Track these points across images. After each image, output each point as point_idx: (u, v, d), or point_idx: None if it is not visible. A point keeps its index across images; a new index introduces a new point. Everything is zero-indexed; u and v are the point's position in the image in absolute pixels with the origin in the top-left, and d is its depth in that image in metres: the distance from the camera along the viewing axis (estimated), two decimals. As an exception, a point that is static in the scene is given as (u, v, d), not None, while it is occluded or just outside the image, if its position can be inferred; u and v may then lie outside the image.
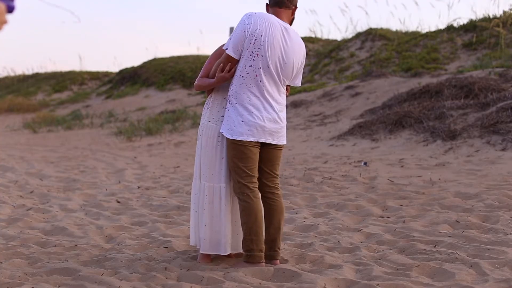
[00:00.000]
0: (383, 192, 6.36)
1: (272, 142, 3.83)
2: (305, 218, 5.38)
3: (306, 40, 21.95)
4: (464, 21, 17.49)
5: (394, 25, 31.46)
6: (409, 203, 5.84)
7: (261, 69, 3.73)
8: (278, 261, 3.94)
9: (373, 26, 19.93)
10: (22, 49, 52.08)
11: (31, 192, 7.13)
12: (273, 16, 3.80)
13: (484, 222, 4.99)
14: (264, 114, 3.78)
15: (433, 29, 18.24)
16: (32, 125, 18.51)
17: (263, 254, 3.86)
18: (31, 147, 13.39)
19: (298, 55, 3.91)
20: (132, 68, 26.93)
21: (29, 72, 33.14)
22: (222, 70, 3.81)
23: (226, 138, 3.83)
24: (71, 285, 3.62)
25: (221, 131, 3.83)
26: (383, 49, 17.52)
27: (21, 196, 6.85)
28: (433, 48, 15.99)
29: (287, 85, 3.99)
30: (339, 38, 23.24)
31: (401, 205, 5.76)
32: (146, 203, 6.38)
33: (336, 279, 3.54)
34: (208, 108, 4.00)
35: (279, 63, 3.78)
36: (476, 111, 9.92)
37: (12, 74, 33.45)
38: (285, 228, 5.03)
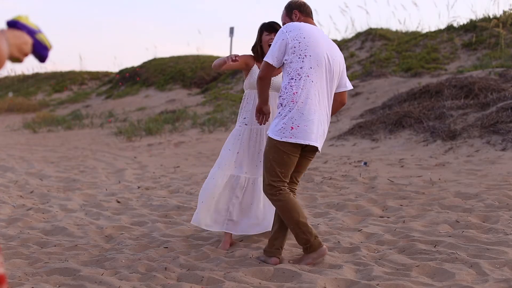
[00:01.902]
0: (383, 192, 6.36)
1: (316, 145, 3.88)
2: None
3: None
4: (464, 21, 17.49)
5: (394, 25, 31.47)
6: (409, 203, 5.84)
7: (311, 69, 3.85)
8: (278, 259, 3.98)
9: (373, 26, 19.93)
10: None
11: (31, 192, 7.13)
12: (308, 24, 3.99)
13: (484, 222, 4.99)
14: (315, 117, 3.86)
15: (433, 29, 18.24)
16: (32, 125, 18.51)
17: (319, 238, 3.94)
18: (31, 147, 13.39)
19: (340, 55, 4.06)
20: (132, 68, 26.93)
21: (29, 72, 33.13)
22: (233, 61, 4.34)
23: (270, 138, 3.91)
24: (71, 285, 3.62)
25: (267, 132, 3.95)
26: (383, 49, 17.51)
27: (21, 196, 6.85)
28: (433, 48, 15.99)
29: (343, 93, 4.13)
30: (339, 38, 23.19)
31: (401, 205, 5.76)
32: (146, 203, 6.38)
33: (336, 279, 3.54)
34: (238, 114, 4.74)
35: (327, 60, 3.91)
36: (476, 111, 9.92)
37: (12, 74, 33.48)
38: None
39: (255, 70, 4.63)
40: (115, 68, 34.59)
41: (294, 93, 3.84)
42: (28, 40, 1.59)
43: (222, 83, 20.97)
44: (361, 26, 27.60)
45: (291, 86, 3.86)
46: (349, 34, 20.86)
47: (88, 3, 60.32)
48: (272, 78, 4.60)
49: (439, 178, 7.04)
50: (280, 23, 4.30)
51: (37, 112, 22.70)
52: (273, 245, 4.02)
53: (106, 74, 30.29)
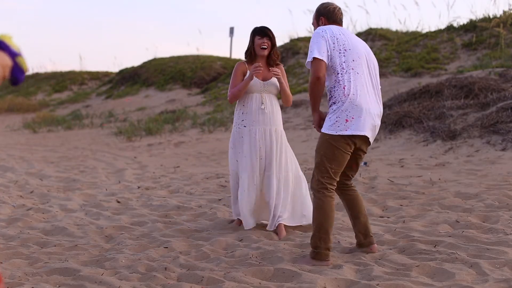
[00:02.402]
0: (383, 192, 6.36)
1: (369, 136, 3.95)
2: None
3: (306, 40, 21.95)
4: (464, 21, 17.48)
5: (394, 25, 31.46)
6: (409, 203, 5.84)
7: (354, 62, 3.94)
8: (375, 245, 4.14)
9: (373, 26, 19.93)
10: (22, 49, 52.01)
11: (31, 192, 7.13)
12: (336, 26, 4.09)
13: (484, 222, 4.99)
14: (367, 109, 3.91)
15: (433, 29, 18.23)
16: (32, 125, 18.51)
17: (329, 252, 3.96)
18: (31, 147, 13.39)
19: (373, 55, 4.17)
20: (132, 68, 26.93)
21: (29, 72, 33.11)
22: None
23: (323, 134, 3.93)
24: (71, 285, 3.62)
25: (324, 130, 3.95)
26: (383, 49, 17.51)
27: (21, 196, 6.85)
28: (433, 48, 15.99)
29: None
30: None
31: (401, 205, 5.76)
32: (146, 203, 6.38)
33: (336, 279, 3.54)
34: (234, 115, 5.04)
35: (366, 54, 4.03)
36: (476, 111, 9.92)
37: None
38: (285, 227, 5.03)
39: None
40: (115, 68, 34.58)
41: (343, 87, 3.90)
42: (9, 63, 1.53)
43: (222, 83, 20.98)
44: (361, 26, 27.60)
45: (338, 81, 3.92)
46: (349, 34, 20.84)
47: (88, 3, 60.31)
48: (267, 81, 4.93)
49: (439, 178, 7.04)
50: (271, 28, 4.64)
51: (37, 112, 22.70)
52: (366, 235, 4.13)
53: (106, 74, 30.29)
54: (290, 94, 5.06)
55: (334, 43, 3.91)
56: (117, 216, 5.72)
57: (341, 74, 3.91)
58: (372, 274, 3.61)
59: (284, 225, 4.91)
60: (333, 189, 3.94)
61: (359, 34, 19.61)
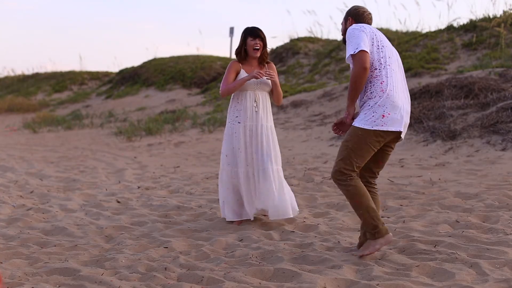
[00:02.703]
0: (383, 192, 6.36)
1: (403, 131, 4.01)
2: (305, 218, 5.38)
3: (306, 40, 21.95)
4: (464, 21, 17.47)
5: (394, 25, 31.48)
6: (409, 203, 5.84)
7: (390, 58, 4.03)
8: (391, 234, 4.07)
9: (373, 26, 19.93)
10: (22, 49, 52.08)
11: (31, 192, 7.13)
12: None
13: (484, 222, 4.99)
14: (402, 105, 3.99)
15: (433, 29, 18.23)
16: (32, 125, 18.50)
17: (386, 226, 4.01)
18: (31, 147, 13.39)
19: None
20: (132, 68, 26.92)
21: (29, 72, 33.13)
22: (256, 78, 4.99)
23: (355, 128, 3.97)
24: (71, 285, 3.62)
25: (354, 123, 4.01)
26: (383, 49, 17.51)
27: (21, 196, 6.85)
28: (433, 48, 15.98)
29: None
30: (339, 38, 23.17)
31: (401, 205, 5.76)
32: (146, 203, 6.38)
33: (336, 279, 3.54)
34: (228, 113, 5.23)
35: (395, 52, 4.14)
36: (476, 111, 9.92)
37: (12, 74, 33.47)
38: (284, 227, 5.04)
39: (243, 73, 5.16)
40: (115, 68, 34.58)
41: (381, 83, 3.98)
42: None
43: (222, 83, 20.98)
44: (361, 26, 27.54)
45: (376, 76, 3.99)
46: (349, 34, 20.82)
47: (88, 3, 60.32)
48: (260, 79, 5.19)
49: (439, 178, 7.04)
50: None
51: (37, 112, 22.69)
52: (375, 225, 4.03)
53: (106, 74, 30.28)
54: (281, 93, 5.31)
55: (373, 39, 4.02)
56: (117, 216, 5.72)
57: (379, 69, 4.00)
58: (372, 274, 3.61)
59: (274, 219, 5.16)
60: (356, 176, 3.99)
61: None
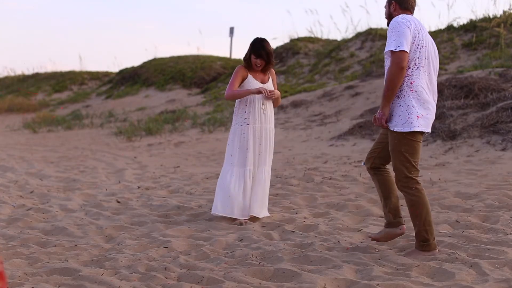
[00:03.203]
0: (383, 192, 6.36)
1: (429, 132, 4.10)
2: (305, 218, 5.38)
3: (306, 40, 21.95)
4: (464, 21, 17.47)
5: (394, 25, 31.35)
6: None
7: (425, 60, 4.03)
8: (404, 226, 4.23)
9: (373, 26, 19.92)
10: (22, 49, 52.05)
11: (31, 192, 7.13)
12: (411, 15, 4.16)
13: (484, 222, 4.99)
14: (432, 105, 4.06)
15: (433, 29, 18.20)
16: (32, 125, 18.50)
17: (435, 242, 4.09)
18: (31, 147, 13.38)
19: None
20: (132, 68, 26.92)
21: (29, 72, 33.12)
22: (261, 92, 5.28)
23: (397, 133, 3.99)
24: (71, 285, 3.63)
25: (392, 127, 4.03)
26: (383, 49, 17.49)
27: (21, 196, 6.85)
28: (433, 48, 15.98)
29: None
30: (339, 38, 23.20)
31: (401, 205, 5.74)
32: (146, 203, 6.38)
33: (336, 279, 3.54)
34: (235, 114, 5.47)
35: (433, 51, 4.12)
36: (476, 111, 9.92)
37: (12, 74, 33.46)
38: (284, 227, 5.04)
39: (250, 79, 5.41)
40: (115, 68, 34.57)
41: (411, 82, 3.99)
42: None
43: (222, 83, 20.97)
44: (361, 26, 27.58)
45: (408, 76, 3.99)
46: (349, 34, 20.85)
47: (88, 3, 60.31)
48: (265, 84, 5.45)
49: (439, 178, 7.04)
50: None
51: (37, 112, 22.69)
52: (396, 215, 4.22)
53: (106, 74, 30.27)
54: (280, 101, 5.71)
55: (415, 37, 3.98)
56: (117, 216, 5.72)
57: (412, 69, 4.00)
58: (372, 274, 3.61)
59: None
60: (420, 181, 4.05)
61: (359, 34, 19.63)
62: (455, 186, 6.48)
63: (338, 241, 4.47)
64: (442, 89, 11.19)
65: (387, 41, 3.99)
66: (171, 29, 58.28)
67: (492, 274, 3.54)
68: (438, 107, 10.45)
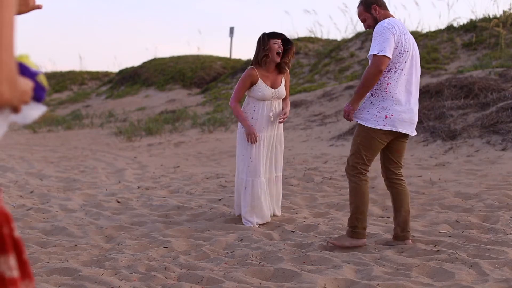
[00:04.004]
0: (383, 192, 6.36)
1: (409, 133, 4.21)
2: (305, 218, 5.38)
3: (306, 40, 21.94)
4: (464, 21, 17.46)
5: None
6: (409, 203, 5.84)
7: (406, 63, 4.16)
8: (410, 241, 4.31)
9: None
10: (22, 49, 51.96)
11: (31, 192, 7.13)
12: (395, 18, 4.29)
13: (484, 222, 4.99)
14: (407, 107, 4.16)
15: (433, 29, 18.22)
16: (32, 125, 18.50)
17: (365, 232, 4.28)
18: (31, 147, 13.38)
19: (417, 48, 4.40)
20: (132, 68, 26.91)
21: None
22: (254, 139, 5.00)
23: (362, 125, 4.18)
24: (71, 285, 3.62)
25: (358, 120, 4.22)
26: (383, 49, 17.51)
27: (21, 196, 6.85)
28: (433, 48, 15.98)
29: None
30: (339, 38, 23.20)
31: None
32: (146, 203, 6.38)
33: (336, 279, 3.54)
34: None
35: (415, 55, 4.26)
36: (476, 111, 9.92)
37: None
38: (284, 227, 5.04)
39: (260, 84, 5.03)
40: (115, 68, 34.56)
41: (387, 84, 4.14)
42: (29, 89, 1.45)
43: (222, 83, 20.98)
44: (361, 26, 27.58)
45: (385, 78, 4.14)
46: (349, 34, 20.85)
47: (88, 3, 60.30)
48: (277, 89, 5.15)
49: (439, 178, 7.04)
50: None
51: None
52: (403, 229, 4.33)
53: (106, 74, 30.27)
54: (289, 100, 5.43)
55: (399, 43, 4.13)
56: (117, 216, 5.72)
57: (392, 72, 4.14)
58: (372, 274, 3.61)
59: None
60: (367, 173, 4.24)
61: (359, 34, 19.63)
62: (455, 186, 6.48)
63: (338, 241, 4.47)
64: (442, 89, 11.19)
65: (371, 45, 4.14)
66: (171, 29, 58.24)
67: (492, 274, 3.54)
68: (438, 107, 10.45)
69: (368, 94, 4.20)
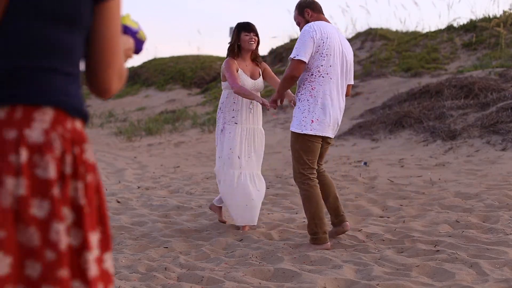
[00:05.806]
0: (383, 192, 6.36)
1: (331, 136, 4.33)
2: (305, 218, 5.37)
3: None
4: (464, 21, 17.46)
5: (394, 25, 31.44)
6: (409, 203, 5.84)
7: (331, 67, 4.20)
8: (347, 223, 4.43)
9: (373, 26, 19.91)
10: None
11: (31, 192, 7.12)
12: (324, 22, 4.29)
13: (484, 222, 4.99)
14: (332, 111, 4.24)
15: (433, 29, 18.19)
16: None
17: (327, 235, 4.30)
18: (31, 147, 13.37)
19: (351, 51, 4.46)
20: (132, 68, 26.92)
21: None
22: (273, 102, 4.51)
23: (293, 132, 4.27)
24: (71, 285, 3.62)
25: (291, 127, 4.32)
26: (383, 49, 17.50)
27: (21, 196, 6.84)
28: (433, 48, 15.97)
29: (348, 86, 4.48)
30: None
31: (401, 205, 5.76)
32: (146, 203, 6.37)
33: (336, 279, 3.54)
34: (221, 111, 5.08)
35: (343, 59, 4.31)
36: (476, 111, 9.92)
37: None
38: (285, 227, 5.04)
39: (241, 74, 4.95)
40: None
41: (312, 89, 4.21)
42: (132, 45, 1.68)
43: (222, 83, 20.98)
44: (361, 26, 27.57)
45: (310, 82, 4.21)
46: (349, 34, 20.84)
47: (88, 3, 60.18)
48: (256, 80, 5.08)
49: (439, 178, 7.04)
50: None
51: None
52: (337, 215, 4.49)
53: (106, 74, 30.24)
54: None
55: (319, 46, 4.16)
56: (117, 216, 5.72)
57: (315, 76, 4.21)
58: (372, 274, 3.61)
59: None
60: (315, 178, 4.27)
61: (359, 35, 19.62)
62: (455, 186, 6.48)
63: (338, 241, 4.47)
64: (442, 89, 11.20)
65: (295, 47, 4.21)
66: (171, 29, 58.23)
67: (492, 274, 3.54)
68: (438, 107, 10.46)
69: (296, 99, 4.32)
